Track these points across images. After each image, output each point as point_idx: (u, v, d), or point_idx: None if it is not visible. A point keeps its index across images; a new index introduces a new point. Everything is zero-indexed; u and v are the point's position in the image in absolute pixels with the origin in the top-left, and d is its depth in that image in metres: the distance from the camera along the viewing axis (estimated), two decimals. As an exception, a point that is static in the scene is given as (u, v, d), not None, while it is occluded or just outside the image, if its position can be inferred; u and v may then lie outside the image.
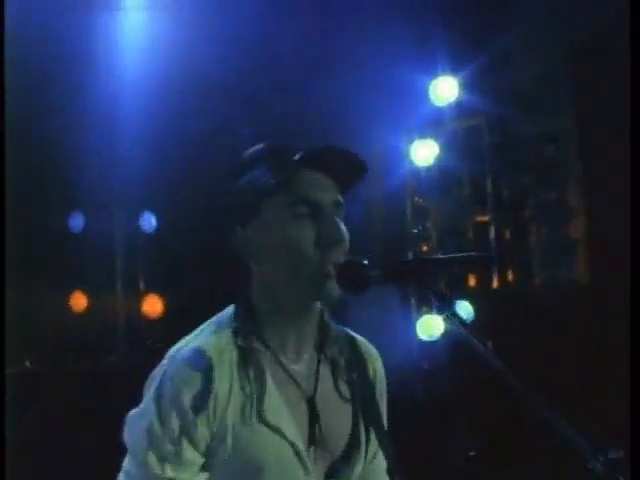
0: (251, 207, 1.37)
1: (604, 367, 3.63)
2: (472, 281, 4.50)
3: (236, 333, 1.35)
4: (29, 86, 3.79)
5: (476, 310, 3.89)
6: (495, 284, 4.44)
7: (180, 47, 4.07)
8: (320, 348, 1.43)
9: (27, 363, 3.85)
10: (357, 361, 1.47)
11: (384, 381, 1.53)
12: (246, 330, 1.36)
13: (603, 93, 3.77)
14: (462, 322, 1.19)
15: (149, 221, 4.75)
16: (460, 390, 4.01)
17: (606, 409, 3.42)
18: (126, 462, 1.35)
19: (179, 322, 4.26)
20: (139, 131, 4.20)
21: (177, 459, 1.29)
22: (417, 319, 4.20)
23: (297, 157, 1.31)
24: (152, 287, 4.70)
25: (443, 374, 4.19)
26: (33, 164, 4.07)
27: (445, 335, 4.04)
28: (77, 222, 4.73)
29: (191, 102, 4.17)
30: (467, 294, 4.23)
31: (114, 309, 4.68)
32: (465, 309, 3.70)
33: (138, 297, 4.69)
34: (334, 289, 1.32)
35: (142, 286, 4.72)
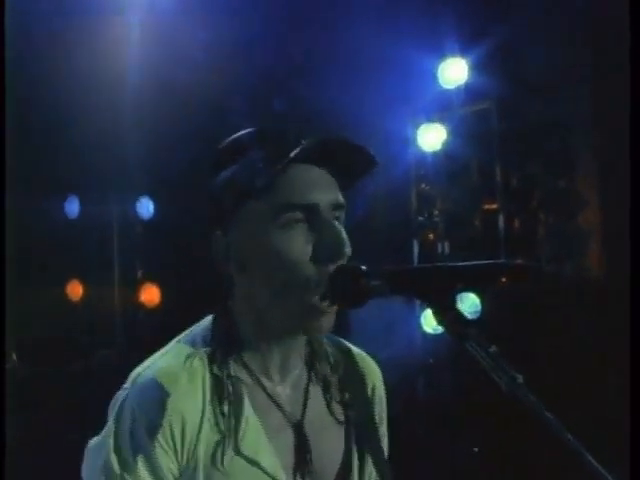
0: (230, 211, 1.17)
1: (613, 360, 3.52)
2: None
3: (211, 358, 1.18)
4: (27, 73, 3.73)
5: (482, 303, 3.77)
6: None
7: (181, 39, 4.00)
8: (310, 365, 1.27)
9: (13, 356, 3.74)
10: (354, 378, 1.31)
11: (384, 399, 1.37)
12: (223, 356, 1.19)
13: (619, 81, 3.64)
14: (488, 353, 0.95)
15: (147, 207, 4.67)
16: (464, 384, 3.91)
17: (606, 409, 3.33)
18: None
19: (177, 312, 4.24)
20: (137, 115, 4.14)
21: None
22: (421, 311, 4.09)
23: (293, 154, 1.11)
24: (150, 276, 4.63)
25: (447, 367, 4.08)
26: (28, 147, 3.98)
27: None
28: (72, 207, 4.65)
29: (190, 89, 4.08)
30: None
31: (111, 298, 4.61)
32: (472, 302, 3.59)
33: (135, 286, 4.62)
34: (327, 323, 1.15)
35: (139, 275, 4.64)
